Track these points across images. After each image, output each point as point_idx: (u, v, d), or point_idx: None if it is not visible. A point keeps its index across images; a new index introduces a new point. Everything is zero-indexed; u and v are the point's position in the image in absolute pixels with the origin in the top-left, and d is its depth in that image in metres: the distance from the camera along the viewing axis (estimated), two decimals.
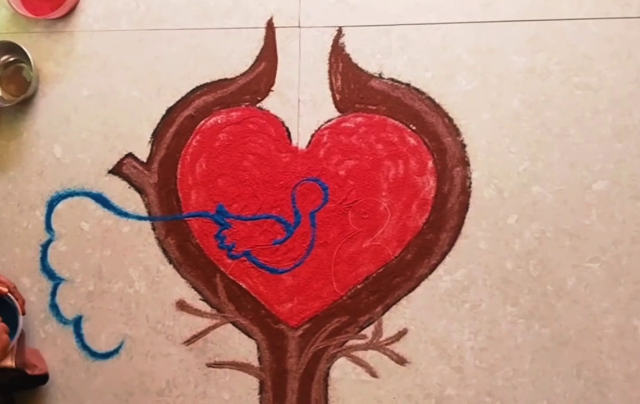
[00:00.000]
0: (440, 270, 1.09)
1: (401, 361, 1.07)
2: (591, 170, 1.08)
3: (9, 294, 1.07)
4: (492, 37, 1.12)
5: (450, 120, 1.11)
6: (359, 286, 1.09)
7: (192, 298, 1.12)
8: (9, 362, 1.03)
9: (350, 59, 1.15)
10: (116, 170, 1.16)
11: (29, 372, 1.08)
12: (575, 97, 1.09)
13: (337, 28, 1.16)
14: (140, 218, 1.14)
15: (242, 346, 1.10)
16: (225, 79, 1.16)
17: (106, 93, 1.18)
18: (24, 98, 1.16)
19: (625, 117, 1.07)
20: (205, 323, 1.11)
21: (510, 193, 1.08)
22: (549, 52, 1.11)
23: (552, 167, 1.08)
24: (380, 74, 1.14)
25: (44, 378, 1.10)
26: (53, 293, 1.14)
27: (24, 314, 1.08)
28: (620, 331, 1.04)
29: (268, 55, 1.16)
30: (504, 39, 1.12)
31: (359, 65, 1.14)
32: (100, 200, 1.15)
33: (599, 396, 1.03)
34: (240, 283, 1.11)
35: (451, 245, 1.09)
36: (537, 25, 1.11)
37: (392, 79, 1.13)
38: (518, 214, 1.08)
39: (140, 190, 1.15)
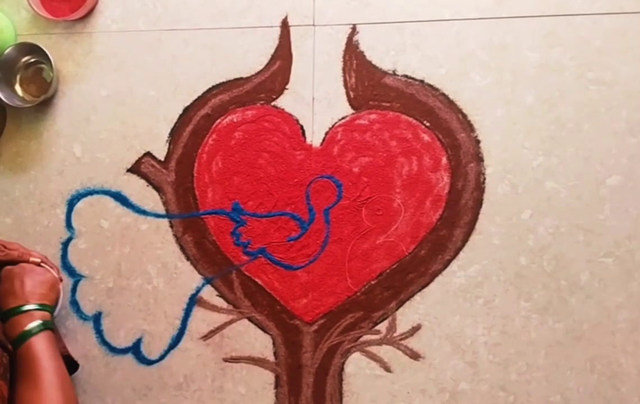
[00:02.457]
0: (454, 265, 1.09)
1: (415, 356, 1.08)
2: (605, 165, 1.08)
3: (43, 263, 1.09)
4: (505, 33, 1.12)
5: (464, 116, 1.12)
6: (373, 282, 1.10)
7: (209, 294, 1.13)
8: None
9: (364, 56, 1.15)
10: (134, 169, 1.18)
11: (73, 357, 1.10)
12: (589, 92, 1.09)
13: (351, 26, 1.16)
14: (158, 215, 1.16)
15: (258, 341, 1.11)
16: (241, 78, 1.18)
17: (124, 93, 1.20)
18: (45, 99, 1.18)
19: None
20: (222, 318, 1.12)
21: (524, 188, 1.09)
22: (562, 47, 1.11)
23: (566, 163, 1.08)
24: (394, 71, 1.14)
25: (75, 367, 1.11)
26: (73, 290, 1.16)
27: (61, 280, 1.11)
28: (633, 325, 1.04)
29: (283, 53, 1.17)
30: (518, 35, 1.12)
31: (373, 62, 1.15)
32: (119, 198, 1.17)
33: (613, 390, 1.03)
34: (256, 280, 1.12)
35: (465, 240, 1.09)
36: (551, 21, 1.11)
37: (406, 76, 1.14)
38: (532, 209, 1.08)
39: (158, 188, 1.17)
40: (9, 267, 1.02)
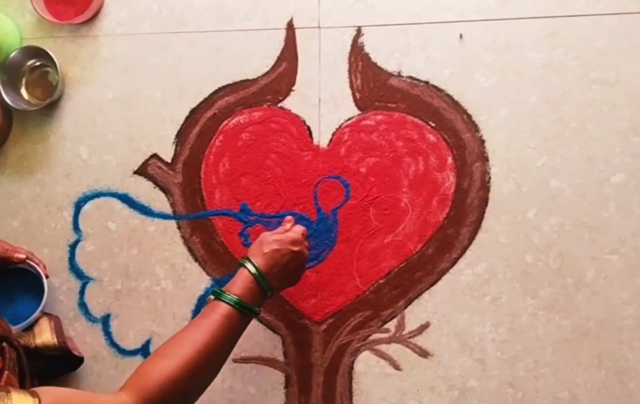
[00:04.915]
0: (461, 263, 1.10)
1: (424, 354, 1.09)
2: (609, 163, 1.09)
3: (28, 260, 1.09)
4: (509, 34, 1.14)
5: (469, 116, 1.13)
6: (381, 281, 1.11)
7: None
8: (52, 340, 1.06)
9: (369, 58, 1.17)
10: (141, 171, 1.18)
11: (75, 353, 1.10)
12: (592, 92, 1.11)
13: (356, 28, 1.18)
14: (165, 217, 1.16)
15: (267, 341, 1.12)
16: (247, 80, 1.18)
17: (130, 95, 1.20)
18: (50, 102, 1.18)
19: None
20: None
21: (529, 187, 1.10)
22: (565, 48, 1.12)
23: (570, 161, 1.10)
24: (399, 72, 1.15)
25: (80, 361, 1.12)
26: (81, 292, 1.16)
27: (47, 277, 1.11)
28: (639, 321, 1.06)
29: (289, 55, 1.18)
30: (521, 36, 1.13)
31: (378, 64, 1.16)
32: (126, 200, 1.18)
33: (620, 386, 1.05)
34: None
35: (471, 239, 1.10)
36: (554, 22, 1.13)
37: (411, 77, 1.15)
38: (537, 208, 1.09)
39: (165, 190, 1.17)
40: None
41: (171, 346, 0.82)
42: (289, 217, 1.06)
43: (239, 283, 0.90)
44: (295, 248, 0.96)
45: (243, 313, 0.88)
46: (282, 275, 0.95)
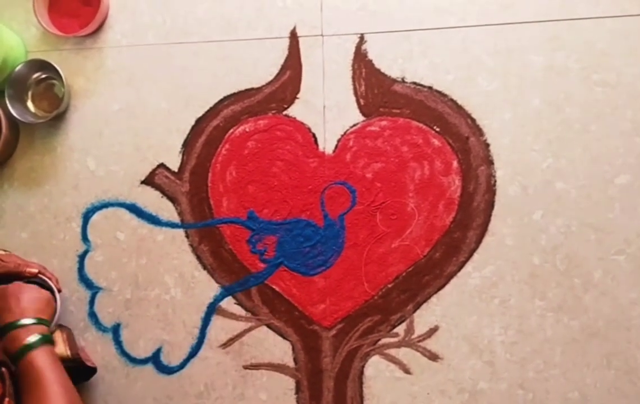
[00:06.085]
0: (468, 267, 1.11)
1: (433, 357, 1.09)
2: (613, 164, 1.10)
3: (40, 274, 1.10)
4: (510, 38, 1.15)
5: (473, 120, 1.14)
6: (389, 286, 1.12)
7: (227, 302, 1.14)
8: (65, 351, 1.06)
9: (372, 65, 1.17)
10: (149, 181, 1.19)
11: (88, 363, 1.11)
12: (595, 93, 1.12)
13: (359, 35, 1.18)
14: (173, 226, 1.17)
15: (277, 347, 1.12)
16: (252, 89, 1.19)
17: (136, 106, 1.21)
18: (57, 114, 1.19)
19: None
20: (241, 326, 1.13)
21: (535, 189, 1.11)
22: (567, 50, 1.13)
23: (574, 163, 1.11)
24: (402, 78, 1.16)
25: (93, 371, 1.12)
26: (91, 302, 1.17)
27: (60, 291, 1.11)
28: None
29: (292, 63, 1.19)
30: (523, 40, 1.14)
31: (382, 70, 1.17)
32: (134, 210, 1.18)
33: (630, 385, 1.05)
34: (274, 287, 1.13)
35: (478, 242, 1.11)
36: (555, 25, 1.14)
37: (415, 83, 1.16)
38: (543, 210, 1.10)
39: (172, 199, 1.18)
40: (2, 286, 1.02)
41: None
42: None
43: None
44: None
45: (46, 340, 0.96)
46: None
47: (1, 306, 0.99)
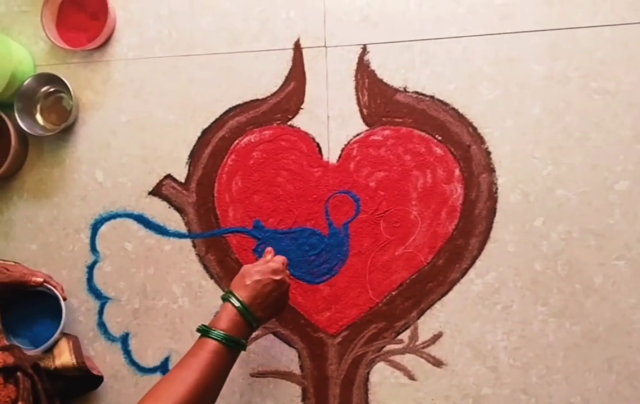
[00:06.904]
0: (471, 273, 1.12)
1: (438, 363, 1.11)
2: (613, 171, 1.11)
3: (46, 283, 1.11)
4: (511, 47, 1.16)
5: (475, 129, 1.15)
6: (393, 293, 1.13)
7: None
8: (71, 360, 1.08)
9: (375, 75, 1.19)
10: (156, 192, 1.21)
11: (94, 372, 1.12)
12: (594, 101, 1.13)
13: (361, 46, 1.20)
14: (181, 236, 1.19)
15: (283, 355, 1.14)
16: (257, 100, 1.21)
17: (143, 118, 1.23)
18: (65, 127, 1.21)
19: None
20: None
21: (536, 196, 1.12)
22: (566, 59, 1.15)
23: (574, 170, 1.12)
24: (405, 88, 1.18)
25: (100, 380, 1.14)
26: (100, 312, 1.19)
27: (65, 299, 1.13)
28: None
29: (296, 75, 1.21)
30: (523, 49, 1.16)
31: (384, 80, 1.19)
32: (142, 220, 1.20)
33: (631, 389, 1.06)
34: None
35: (481, 249, 1.12)
36: (555, 34, 1.16)
37: (417, 92, 1.18)
38: (544, 216, 1.12)
39: (179, 210, 1.20)
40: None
41: (162, 388, 0.82)
42: (269, 249, 1.08)
43: (224, 318, 0.91)
44: (277, 277, 0.97)
45: (230, 347, 0.89)
46: (265, 305, 0.95)
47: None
